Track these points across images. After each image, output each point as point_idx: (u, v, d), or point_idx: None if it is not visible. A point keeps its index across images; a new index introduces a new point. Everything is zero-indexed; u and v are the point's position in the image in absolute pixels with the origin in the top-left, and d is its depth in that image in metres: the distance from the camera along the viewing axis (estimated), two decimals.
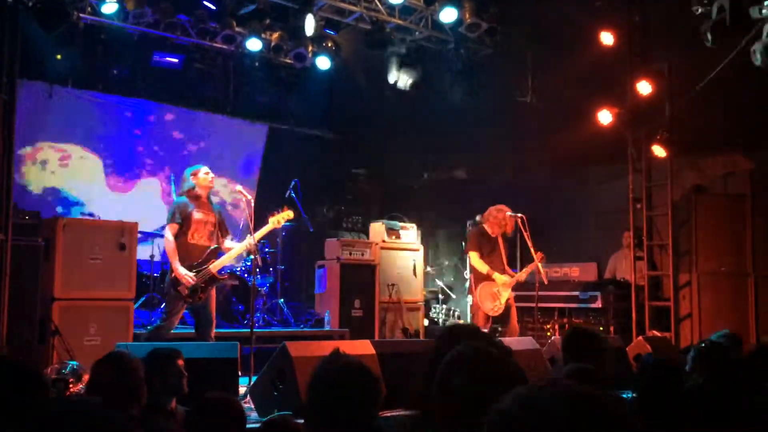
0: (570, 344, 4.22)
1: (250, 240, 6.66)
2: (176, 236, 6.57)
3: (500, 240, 8.21)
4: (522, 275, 8.14)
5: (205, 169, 6.82)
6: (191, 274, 6.47)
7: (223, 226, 6.95)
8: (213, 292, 6.75)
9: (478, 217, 8.49)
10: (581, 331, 4.49)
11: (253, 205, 6.89)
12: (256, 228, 6.76)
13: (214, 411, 2.94)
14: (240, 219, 10.01)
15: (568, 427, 1.09)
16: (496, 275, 7.97)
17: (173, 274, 6.49)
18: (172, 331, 6.65)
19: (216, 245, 6.75)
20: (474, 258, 8.09)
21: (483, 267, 8.01)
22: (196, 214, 6.65)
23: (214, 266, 6.60)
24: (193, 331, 6.88)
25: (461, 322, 10.50)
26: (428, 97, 10.66)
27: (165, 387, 3.89)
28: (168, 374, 3.91)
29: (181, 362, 4.02)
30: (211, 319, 6.69)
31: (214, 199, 7.21)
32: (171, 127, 10.59)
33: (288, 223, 9.55)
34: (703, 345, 3.21)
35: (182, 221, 6.60)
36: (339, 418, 2.37)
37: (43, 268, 6.85)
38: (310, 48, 9.85)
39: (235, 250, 6.81)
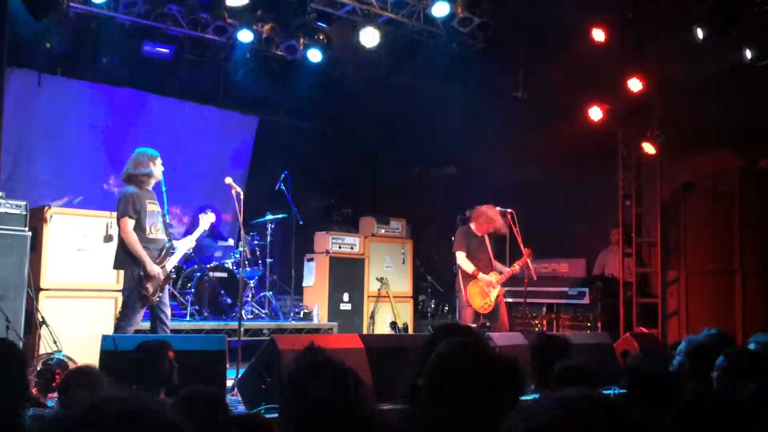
0: (538, 354, 3.87)
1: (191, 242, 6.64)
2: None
3: (487, 238, 8.20)
4: (509, 272, 8.10)
5: (159, 159, 6.35)
6: (159, 270, 6.13)
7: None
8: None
9: (467, 213, 8.47)
10: (547, 338, 4.09)
11: (242, 197, 6.85)
12: (245, 221, 6.72)
13: (194, 405, 2.92)
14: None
15: None
16: (480, 275, 7.95)
17: (140, 271, 6.04)
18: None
19: (169, 239, 6.35)
20: (460, 257, 8.07)
21: (469, 267, 8.00)
22: (150, 206, 6.23)
23: (169, 263, 6.28)
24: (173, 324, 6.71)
25: (450, 318, 10.52)
26: (419, 92, 10.62)
27: (154, 378, 3.88)
28: (157, 365, 3.90)
29: (171, 354, 4.01)
30: (168, 314, 6.32)
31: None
32: (160, 117, 10.49)
33: (278, 215, 9.56)
34: (696, 346, 3.16)
35: (138, 214, 6.11)
36: (317, 413, 2.37)
37: (30, 258, 6.79)
38: (301, 40, 9.82)
39: (182, 249, 6.63)
